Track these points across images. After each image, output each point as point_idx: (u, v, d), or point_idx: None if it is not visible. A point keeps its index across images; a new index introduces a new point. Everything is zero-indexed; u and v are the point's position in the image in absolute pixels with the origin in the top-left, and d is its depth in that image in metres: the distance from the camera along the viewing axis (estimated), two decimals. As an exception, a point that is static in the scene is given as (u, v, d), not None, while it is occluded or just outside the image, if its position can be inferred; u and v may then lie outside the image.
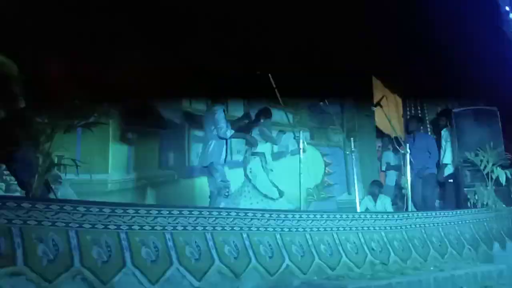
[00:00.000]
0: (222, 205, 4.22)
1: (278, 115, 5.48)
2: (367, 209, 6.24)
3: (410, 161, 5.05)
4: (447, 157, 6.10)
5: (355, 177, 4.94)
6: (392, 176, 6.75)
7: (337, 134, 6.72)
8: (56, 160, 3.94)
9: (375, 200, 6.25)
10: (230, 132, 4.56)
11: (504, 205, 5.22)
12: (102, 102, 3.34)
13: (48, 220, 2.35)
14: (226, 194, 4.28)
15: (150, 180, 5.02)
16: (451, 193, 6.07)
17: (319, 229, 3.54)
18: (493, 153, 5.50)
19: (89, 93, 2.78)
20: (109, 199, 4.63)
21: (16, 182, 2.91)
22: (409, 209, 4.97)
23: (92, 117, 2.99)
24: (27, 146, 2.54)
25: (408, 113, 6.64)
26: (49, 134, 2.54)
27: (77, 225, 2.43)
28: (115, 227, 2.54)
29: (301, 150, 4.20)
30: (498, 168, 5.42)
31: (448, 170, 6.08)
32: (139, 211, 2.66)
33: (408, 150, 4.98)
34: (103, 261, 2.40)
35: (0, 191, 3.86)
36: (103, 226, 2.51)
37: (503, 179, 5.37)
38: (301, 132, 4.47)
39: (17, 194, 3.39)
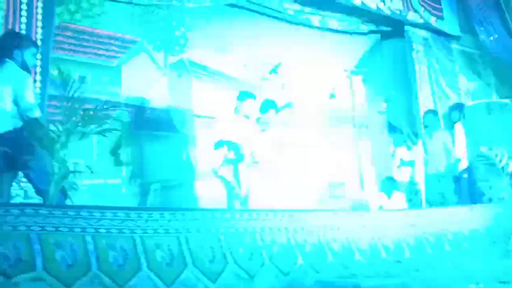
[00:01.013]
0: (237, 206, 4.25)
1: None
2: (381, 206, 6.24)
3: (424, 157, 5.04)
4: (461, 152, 6.04)
5: (365, 175, 4.91)
6: (406, 172, 6.71)
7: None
8: (72, 167, 4.08)
9: (389, 197, 6.24)
10: None
11: (520, 199, 5.14)
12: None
13: (65, 226, 2.41)
14: (233, 195, 4.28)
15: (164, 183, 5.08)
16: (465, 188, 6.00)
17: (332, 228, 3.55)
18: (508, 146, 5.43)
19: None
20: (124, 203, 4.75)
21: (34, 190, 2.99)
22: (424, 205, 4.95)
23: (106, 123, 3.07)
24: (43, 155, 2.61)
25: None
26: (64, 142, 2.61)
27: (93, 230, 2.48)
28: (130, 231, 2.59)
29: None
30: (513, 161, 5.35)
31: (462, 165, 6.02)
32: (152, 215, 2.71)
33: (421, 146, 4.95)
34: (119, 265, 2.46)
35: (20, 199, 3.97)
36: (117, 231, 2.55)
37: (519, 173, 5.29)
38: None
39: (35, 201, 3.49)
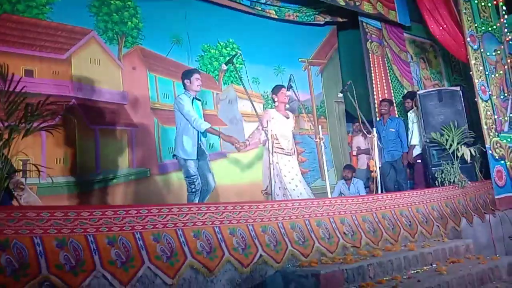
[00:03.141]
0: (196, 201, 4.18)
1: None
2: (341, 193, 6.39)
3: (379, 145, 5.19)
4: (414, 138, 6.27)
5: (325, 163, 4.99)
6: (363, 160, 6.89)
7: (308, 121, 6.76)
8: (21, 166, 3.87)
9: (348, 184, 6.41)
10: (205, 125, 4.29)
11: (469, 182, 5.41)
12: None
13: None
14: (193, 190, 4.21)
15: (121, 178, 4.94)
16: (420, 173, 6.24)
17: (291, 217, 3.58)
18: (457, 132, 5.68)
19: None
20: (81, 201, 4.58)
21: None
22: (379, 191, 5.10)
23: (55, 119, 2.91)
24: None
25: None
26: (6, 139, 2.46)
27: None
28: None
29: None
30: (463, 146, 5.61)
31: (416, 151, 6.25)
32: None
33: (376, 134, 5.08)
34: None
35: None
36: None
37: (468, 157, 5.56)
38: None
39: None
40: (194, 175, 4.22)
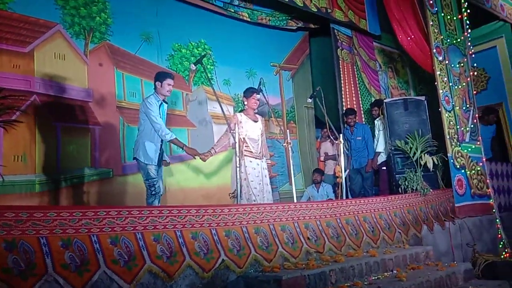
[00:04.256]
0: (156, 203, 4.09)
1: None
2: (309, 197, 6.44)
3: (345, 151, 5.25)
4: (380, 146, 6.39)
5: (292, 168, 5.00)
6: (330, 165, 6.97)
7: (277, 126, 6.78)
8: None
9: (317, 188, 6.47)
10: (170, 136, 4.18)
11: (431, 190, 5.55)
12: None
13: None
14: (153, 193, 4.13)
15: (83, 178, 4.78)
16: (384, 180, 6.36)
17: (256, 221, 3.56)
18: (421, 140, 5.82)
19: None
20: (41, 200, 4.40)
21: None
22: (344, 197, 5.16)
23: (12, 114, 2.76)
24: None
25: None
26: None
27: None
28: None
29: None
30: (426, 154, 5.75)
31: (381, 158, 6.37)
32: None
33: (342, 140, 5.14)
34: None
35: None
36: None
37: (430, 165, 5.70)
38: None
39: None
40: (154, 178, 4.14)
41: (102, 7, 5.29)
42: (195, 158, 4.62)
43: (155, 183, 4.12)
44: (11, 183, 4.24)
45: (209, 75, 5.17)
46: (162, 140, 4.27)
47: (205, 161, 4.55)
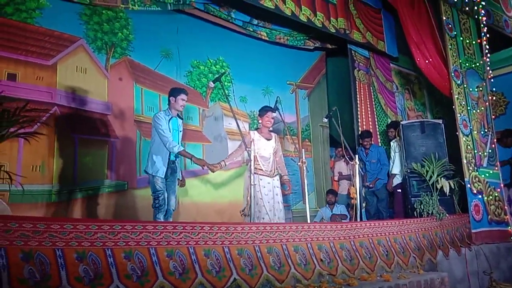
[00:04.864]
0: (161, 216, 4.10)
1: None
2: (322, 218, 6.39)
3: (360, 172, 5.21)
4: (395, 168, 6.33)
5: (306, 187, 4.98)
6: (344, 185, 6.91)
7: (292, 144, 6.77)
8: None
9: (331, 209, 6.42)
10: (178, 148, 4.22)
11: (447, 214, 5.45)
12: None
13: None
14: (157, 205, 4.14)
15: (98, 190, 4.83)
16: (399, 203, 6.28)
17: (269, 240, 3.53)
18: (438, 164, 5.75)
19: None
20: (56, 210, 4.45)
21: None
22: (358, 218, 5.10)
23: (33, 126, 2.82)
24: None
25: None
26: (-20, 145, 2.38)
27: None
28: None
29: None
30: (442, 178, 5.66)
31: (397, 180, 6.30)
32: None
33: (358, 162, 5.11)
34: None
35: None
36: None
37: (447, 189, 5.61)
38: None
39: None
40: (160, 191, 4.15)
41: (125, 23, 5.42)
42: (203, 168, 4.63)
43: (159, 195, 4.13)
44: (29, 192, 4.31)
45: (226, 92, 5.21)
46: (170, 153, 4.29)
47: (214, 172, 4.56)
